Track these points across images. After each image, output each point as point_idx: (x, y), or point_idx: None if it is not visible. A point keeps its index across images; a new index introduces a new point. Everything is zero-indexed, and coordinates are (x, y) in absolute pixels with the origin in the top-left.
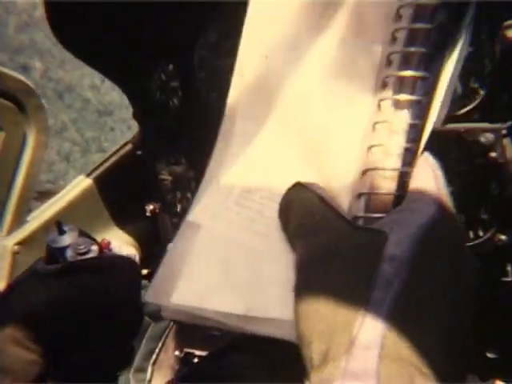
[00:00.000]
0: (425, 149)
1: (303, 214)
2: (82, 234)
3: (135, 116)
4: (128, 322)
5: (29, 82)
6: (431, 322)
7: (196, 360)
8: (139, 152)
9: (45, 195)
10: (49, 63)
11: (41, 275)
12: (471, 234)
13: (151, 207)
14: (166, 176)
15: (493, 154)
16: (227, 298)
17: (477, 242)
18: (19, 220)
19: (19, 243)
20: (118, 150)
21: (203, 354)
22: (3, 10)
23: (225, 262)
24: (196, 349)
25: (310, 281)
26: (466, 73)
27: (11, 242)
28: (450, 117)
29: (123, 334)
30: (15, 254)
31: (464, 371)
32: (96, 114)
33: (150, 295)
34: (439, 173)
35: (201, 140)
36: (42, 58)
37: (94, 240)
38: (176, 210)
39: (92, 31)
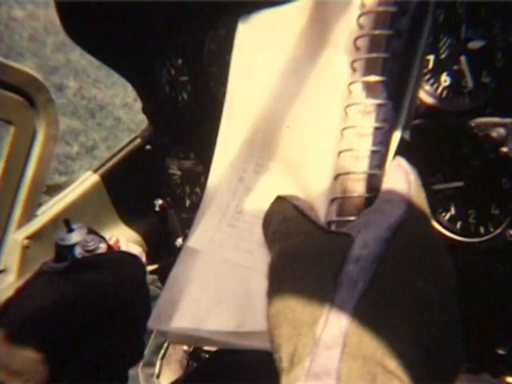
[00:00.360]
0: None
1: (278, 221)
2: (91, 231)
3: (145, 111)
4: (135, 317)
5: (37, 76)
6: (398, 320)
7: (204, 355)
8: (148, 147)
9: (54, 189)
10: (83, 82)
11: (48, 275)
12: (482, 230)
13: (160, 202)
14: (175, 171)
15: (504, 149)
16: (220, 317)
17: (488, 237)
18: (29, 214)
19: (29, 237)
20: (126, 145)
21: (211, 349)
22: (43, 29)
23: (218, 283)
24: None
25: (277, 284)
26: (477, 67)
27: (21, 236)
28: (461, 112)
29: (132, 329)
30: (25, 248)
31: (443, 370)
32: (127, 133)
33: (152, 322)
34: (412, 175)
35: (210, 135)
36: (77, 76)
37: (102, 237)
38: (185, 205)
39: (102, 25)
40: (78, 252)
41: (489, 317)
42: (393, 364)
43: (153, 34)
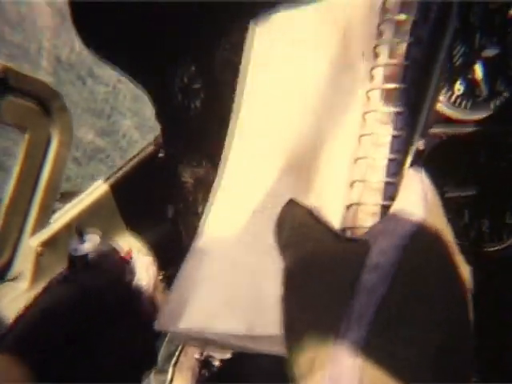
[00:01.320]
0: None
1: (292, 227)
2: (104, 240)
3: (157, 118)
4: (136, 317)
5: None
6: (416, 330)
7: (216, 363)
8: (161, 154)
9: (68, 196)
10: None
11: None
12: (496, 239)
13: (173, 209)
14: (187, 178)
15: None
16: (229, 320)
17: (502, 246)
18: (43, 221)
19: (43, 244)
20: (139, 153)
21: (224, 356)
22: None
23: (228, 285)
24: (216, 351)
25: (293, 290)
26: (491, 75)
27: (35, 242)
28: (474, 120)
29: (138, 331)
30: (39, 255)
31: (453, 373)
32: None
33: (160, 323)
34: (428, 184)
35: (223, 142)
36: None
37: (114, 247)
38: (198, 213)
39: (115, 31)
40: (90, 261)
41: (502, 326)
42: (411, 381)
43: (166, 41)
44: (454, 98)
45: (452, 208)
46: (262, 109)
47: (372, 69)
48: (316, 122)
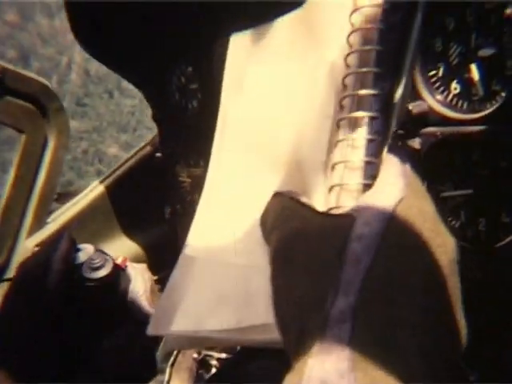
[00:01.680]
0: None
1: (275, 213)
2: (98, 250)
3: (154, 118)
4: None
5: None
6: (403, 294)
7: (214, 362)
8: (158, 154)
9: (65, 196)
10: None
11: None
12: (492, 238)
13: (170, 210)
14: (184, 178)
15: None
16: (220, 316)
17: (498, 245)
18: (40, 222)
19: (39, 245)
20: (136, 153)
21: (221, 356)
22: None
23: (217, 284)
24: (214, 351)
25: (281, 266)
26: (487, 75)
27: (32, 243)
28: (471, 119)
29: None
30: None
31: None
32: None
33: (151, 327)
34: (406, 162)
35: None
36: None
37: (108, 256)
38: (194, 212)
39: (112, 33)
40: (85, 271)
41: (500, 324)
42: (402, 334)
43: (165, 41)
44: (450, 97)
45: (448, 207)
46: (237, 120)
47: (345, 77)
48: (293, 124)
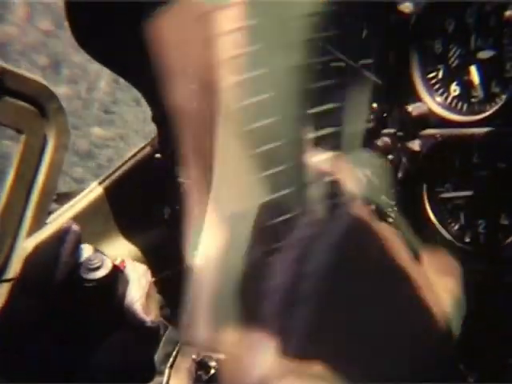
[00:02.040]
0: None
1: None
2: (96, 251)
3: (154, 119)
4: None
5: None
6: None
7: (213, 363)
8: (158, 155)
9: (64, 197)
10: None
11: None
12: (491, 240)
13: (169, 211)
14: (184, 179)
15: None
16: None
17: (497, 247)
18: (39, 222)
19: (39, 246)
20: (136, 154)
21: (220, 357)
22: None
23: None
24: (213, 352)
25: None
26: (487, 77)
27: (31, 244)
28: (470, 121)
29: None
30: None
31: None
32: None
33: (184, 336)
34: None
35: None
36: None
37: (107, 257)
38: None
39: (111, 34)
40: (83, 271)
41: (498, 326)
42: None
43: None
44: (449, 99)
45: (448, 209)
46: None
47: None
48: None
